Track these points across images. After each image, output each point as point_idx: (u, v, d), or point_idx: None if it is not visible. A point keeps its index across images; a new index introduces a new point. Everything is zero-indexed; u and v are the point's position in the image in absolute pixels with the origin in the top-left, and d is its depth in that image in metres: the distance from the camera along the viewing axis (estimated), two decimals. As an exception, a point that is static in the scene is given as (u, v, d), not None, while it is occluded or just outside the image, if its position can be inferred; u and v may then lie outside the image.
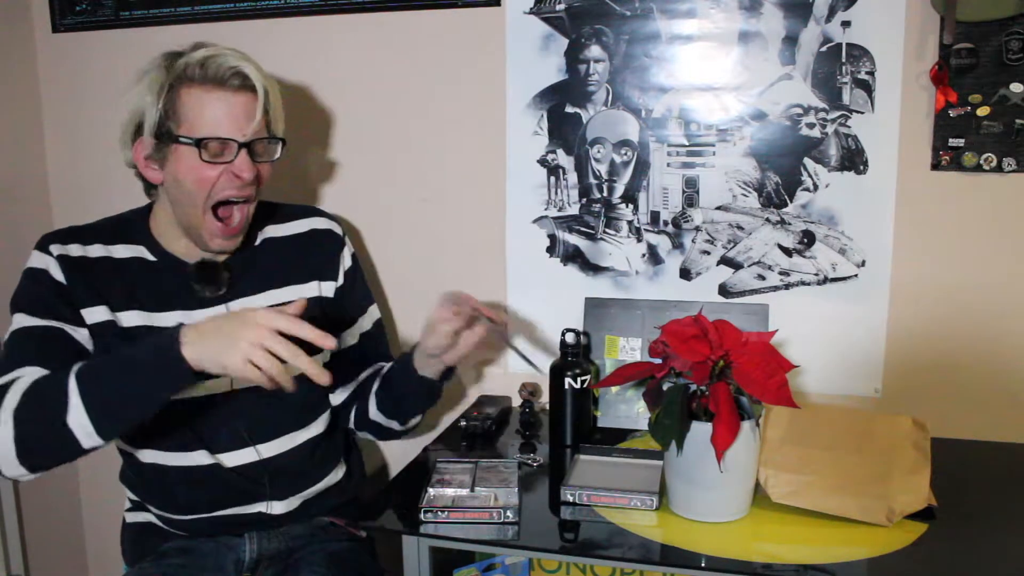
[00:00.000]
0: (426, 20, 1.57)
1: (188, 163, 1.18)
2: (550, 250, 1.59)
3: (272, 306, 1.22)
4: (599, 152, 1.54)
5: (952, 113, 1.38)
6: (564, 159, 1.56)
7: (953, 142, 1.38)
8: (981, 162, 1.38)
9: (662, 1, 1.47)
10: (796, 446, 1.19)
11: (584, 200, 1.56)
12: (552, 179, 1.57)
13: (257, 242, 1.34)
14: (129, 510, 1.37)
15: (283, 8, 1.63)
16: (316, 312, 1.35)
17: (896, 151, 1.42)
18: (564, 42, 1.52)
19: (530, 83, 1.54)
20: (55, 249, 1.23)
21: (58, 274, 1.21)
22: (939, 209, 1.42)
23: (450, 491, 1.19)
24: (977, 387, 1.44)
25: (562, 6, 1.51)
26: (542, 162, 1.57)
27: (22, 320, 1.19)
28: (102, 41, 1.73)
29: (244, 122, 1.19)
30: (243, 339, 1.00)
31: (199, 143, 1.17)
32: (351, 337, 1.42)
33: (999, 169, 1.38)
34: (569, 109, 1.54)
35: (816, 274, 1.49)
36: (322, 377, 1.03)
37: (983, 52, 1.35)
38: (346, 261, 1.42)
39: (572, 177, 1.56)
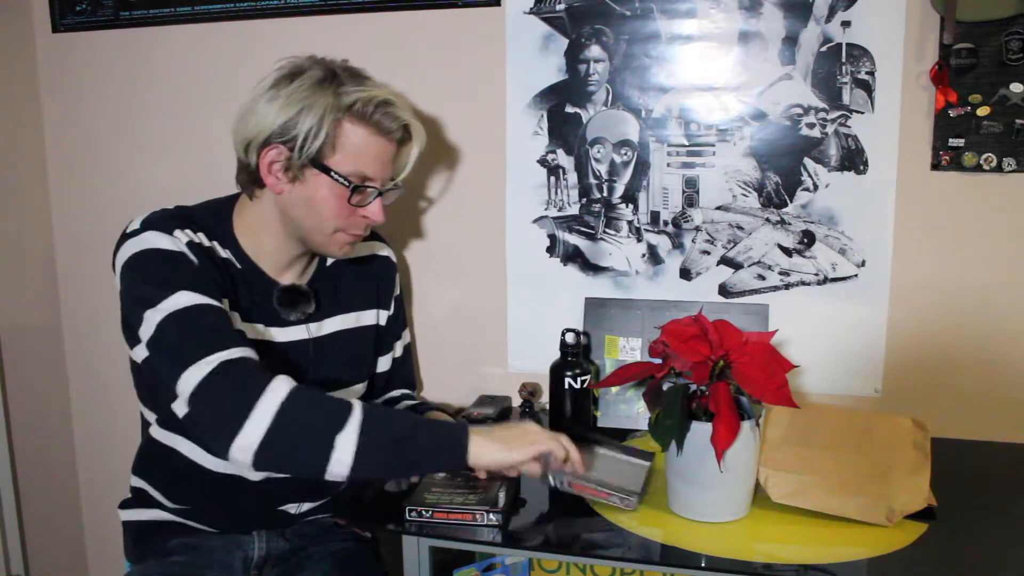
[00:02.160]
0: (426, 20, 1.57)
1: (329, 196, 1.17)
2: (550, 250, 1.59)
3: (340, 331, 1.33)
4: (599, 152, 1.54)
5: (952, 113, 1.38)
6: (564, 159, 1.56)
7: (953, 142, 1.38)
8: (981, 162, 1.38)
9: (662, 1, 1.47)
10: (796, 446, 1.19)
11: (584, 200, 1.56)
12: (552, 179, 1.57)
13: (329, 263, 1.35)
14: (125, 508, 1.35)
15: (283, 8, 1.63)
16: (371, 341, 1.40)
17: (896, 151, 1.42)
18: (564, 42, 1.52)
19: (530, 83, 1.54)
20: (179, 235, 1.15)
21: (193, 259, 1.14)
22: (939, 209, 1.42)
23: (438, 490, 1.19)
24: (977, 387, 1.45)
25: (562, 6, 1.51)
26: (542, 162, 1.57)
27: (191, 298, 1.09)
28: (102, 41, 1.73)
29: (390, 172, 1.22)
30: (528, 443, 1.11)
31: (353, 188, 1.17)
32: (386, 362, 1.46)
33: (999, 169, 1.38)
34: (569, 109, 1.54)
35: (816, 274, 1.49)
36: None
37: (983, 52, 1.35)
38: (396, 288, 1.46)
39: (572, 177, 1.56)
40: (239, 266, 1.23)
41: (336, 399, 1.08)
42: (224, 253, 1.22)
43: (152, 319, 1.08)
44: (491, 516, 1.12)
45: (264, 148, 1.16)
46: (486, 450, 1.08)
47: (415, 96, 1.60)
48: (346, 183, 1.17)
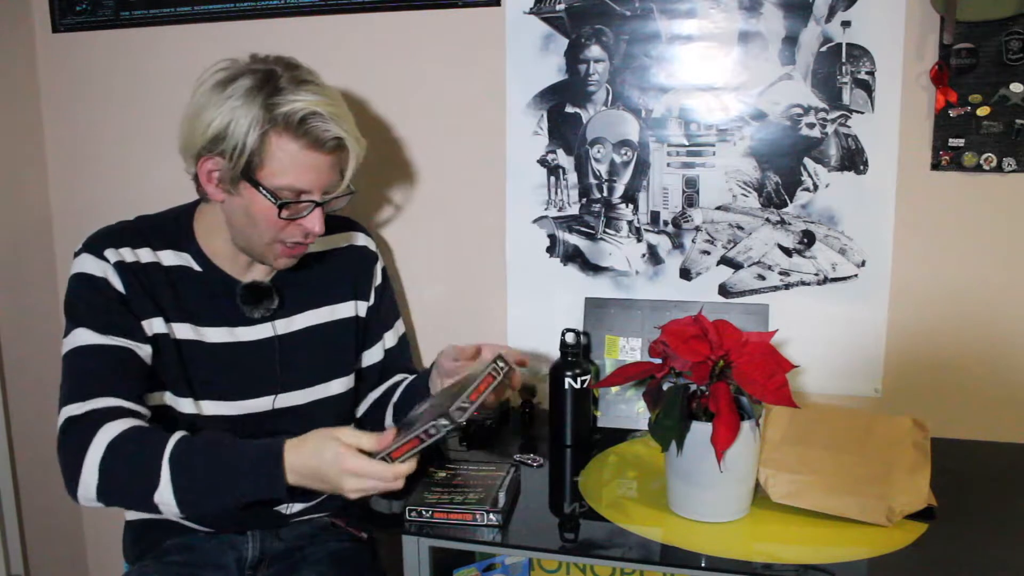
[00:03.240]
0: (426, 20, 1.57)
1: (263, 208, 1.16)
2: (550, 250, 1.59)
3: (311, 327, 1.32)
4: (599, 152, 1.54)
5: (952, 113, 1.38)
6: (564, 159, 1.56)
7: (953, 142, 1.38)
8: (981, 162, 1.38)
9: (662, 1, 1.47)
10: (796, 446, 1.19)
11: (584, 200, 1.56)
12: (552, 179, 1.57)
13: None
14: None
15: (283, 8, 1.63)
16: (351, 334, 1.39)
17: (896, 151, 1.42)
18: (564, 42, 1.52)
19: (530, 83, 1.54)
20: (110, 255, 1.18)
21: (117, 283, 1.17)
22: (939, 209, 1.42)
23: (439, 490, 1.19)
24: (977, 387, 1.45)
25: (562, 6, 1.51)
26: (542, 162, 1.57)
27: (85, 336, 1.15)
28: (102, 41, 1.73)
29: (326, 182, 1.18)
30: (346, 491, 1.06)
31: (281, 205, 1.15)
32: (376, 354, 1.44)
33: (999, 169, 1.38)
34: (569, 109, 1.54)
35: (816, 274, 1.49)
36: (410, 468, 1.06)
37: (983, 52, 1.35)
38: (377, 278, 1.44)
39: (572, 177, 1.56)
40: (198, 269, 1.24)
41: (152, 446, 1.08)
42: (177, 260, 1.23)
43: (62, 353, 1.17)
44: (491, 516, 1.12)
45: (201, 158, 1.16)
46: (302, 479, 1.06)
47: (415, 96, 1.60)
48: (273, 200, 1.14)
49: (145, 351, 1.18)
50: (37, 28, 1.76)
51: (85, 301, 1.17)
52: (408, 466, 1.04)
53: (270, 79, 1.13)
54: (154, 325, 1.20)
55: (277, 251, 1.22)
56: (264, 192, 1.14)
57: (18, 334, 1.73)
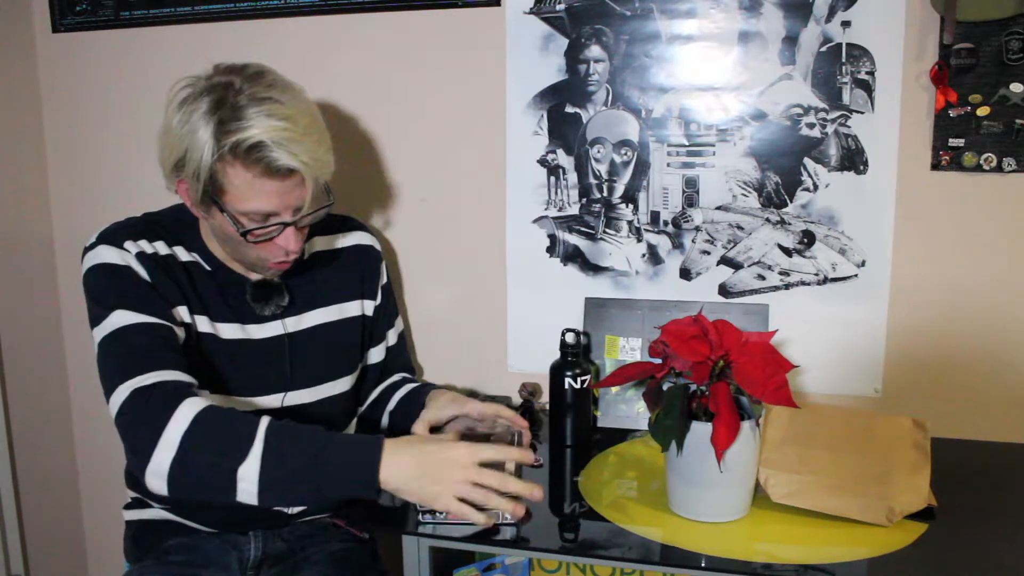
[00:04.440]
0: (426, 20, 1.57)
1: (233, 231, 1.13)
2: (550, 250, 1.59)
3: (321, 325, 1.30)
4: (599, 152, 1.54)
5: (952, 113, 1.38)
6: (564, 159, 1.56)
7: (953, 142, 1.38)
8: (981, 162, 1.38)
9: (662, 1, 1.47)
10: (796, 446, 1.19)
11: (584, 200, 1.56)
12: (552, 179, 1.57)
13: (306, 256, 1.33)
14: (129, 507, 1.37)
15: (283, 8, 1.63)
16: (358, 332, 1.39)
17: (896, 151, 1.42)
18: (564, 42, 1.52)
19: (530, 83, 1.54)
20: (130, 246, 1.16)
21: (141, 271, 1.15)
22: (939, 209, 1.42)
23: None
24: (977, 387, 1.45)
25: (562, 6, 1.51)
26: (542, 162, 1.57)
27: (125, 317, 1.11)
28: (102, 41, 1.73)
29: (293, 203, 1.13)
30: (451, 481, 1.01)
31: (244, 233, 1.12)
32: (379, 352, 1.45)
33: (999, 169, 1.38)
34: (569, 109, 1.54)
35: (816, 274, 1.49)
36: (534, 491, 1.04)
37: (983, 52, 1.35)
38: (383, 277, 1.44)
39: (572, 177, 1.56)
40: (208, 268, 1.24)
41: (242, 421, 1.03)
42: (189, 257, 1.23)
43: (96, 340, 1.13)
44: (507, 515, 1.10)
45: (175, 180, 1.14)
46: (400, 476, 1.01)
47: (415, 96, 1.60)
48: (236, 226, 1.12)
49: (181, 334, 1.16)
50: (37, 28, 1.76)
51: (115, 287, 1.14)
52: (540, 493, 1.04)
53: (225, 99, 1.08)
54: (181, 313, 1.18)
55: (265, 265, 1.21)
56: (228, 218, 1.12)
57: (18, 334, 1.73)
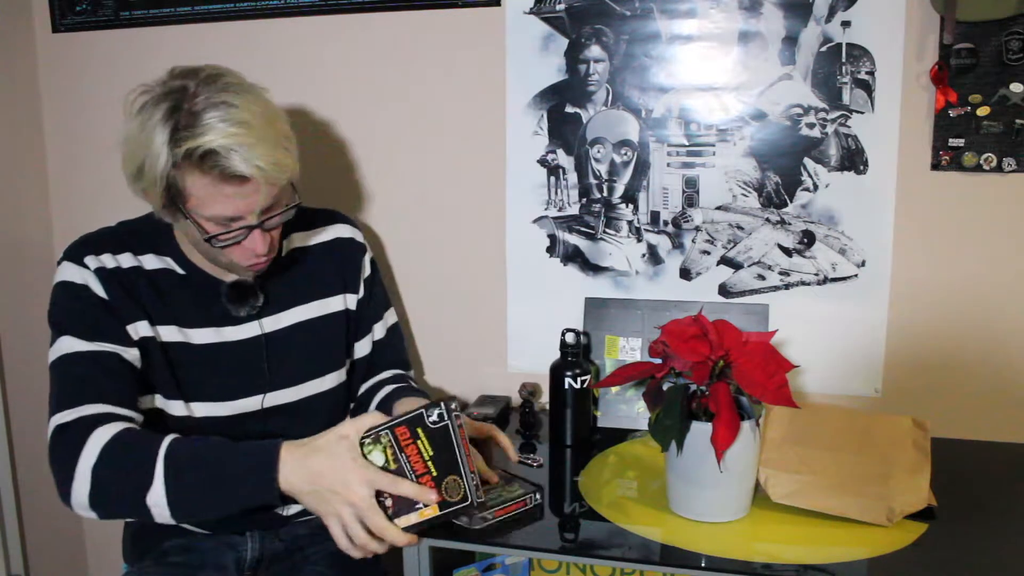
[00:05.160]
0: (426, 20, 1.57)
1: (199, 238, 1.13)
2: (550, 250, 1.59)
3: (300, 323, 1.29)
4: (599, 152, 1.54)
5: (952, 113, 1.38)
6: (564, 159, 1.55)
7: (953, 142, 1.38)
8: (981, 162, 1.38)
9: (662, 1, 1.47)
10: (796, 446, 1.19)
11: (584, 200, 1.56)
12: (552, 179, 1.57)
13: (283, 252, 1.32)
14: None
15: (283, 8, 1.63)
16: (342, 327, 1.37)
17: (896, 151, 1.42)
18: (564, 42, 1.52)
19: (530, 83, 1.54)
20: (90, 261, 1.18)
21: (99, 289, 1.17)
22: (939, 209, 1.42)
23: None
24: (977, 387, 1.45)
25: (562, 6, 1.51)
26: (542, 162, 1.57)
27: (71, 344, 1.14)
28: (102, 41, 1.73)
29: (255, 206, 1.12)
30: (341, 508, 1.04)
31: (208, 239, 1.12)
32: (365, 346, 1.42)
33: (999, 169, 1.38)
34: (569, 109, 1.54)
35: (816, 274, 1.49)
36: (411, 541, 1.07)
37: (983, 52, 1.35)
38: (366, 270, 1.42)
39: (572, 177, 1.56)
40: (181, 272, 1.24)
41: (145, 447, 1.07)
42: (160, 263, 1.23)
43: (48, 362, 1.16)
44: (537, 496, 1.13)
45: (137, 186, 1.13)
46: (297, 483, 1.04)
47: (415, 96, 1.60)
48: (200, 232, 1.12)
49: (132, 355, 1.17)
50: (37, 28, 1.76)
51: (67, 309, 1.17)
52: (407, 538, 1.06)
53: (180, 105, 1.07)
54: (139, 329, 1.19)
55: (240, 268, 1.20)
56: (193, 224, 1.12)
57: (18, 335, 1.73)
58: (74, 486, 1.06)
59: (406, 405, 1.26)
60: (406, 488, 1.04)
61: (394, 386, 1.38)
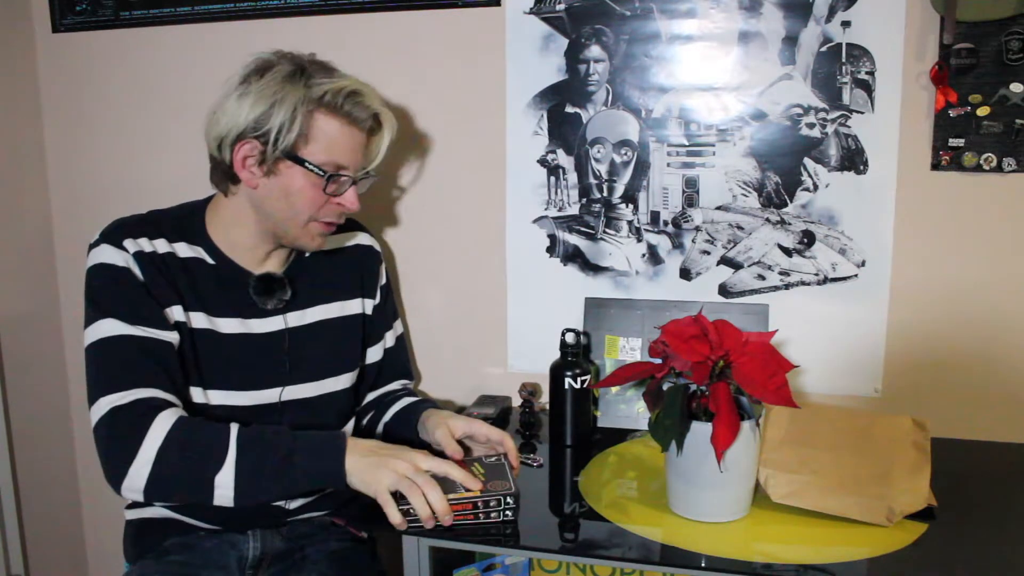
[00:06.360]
0: (426, 20, 1.57)
1: (305, 185, 1.20)
2: (550, 250, 1.59)
3: (322, 321, 1.34)
4: (599, 152, 1.54)
5: (952, 113, 1.38)
6: (564, 159, 1.56)
7: (953, 142, 1.38)
8: (981, 162, 1.38)
9: (662, 1, 1.47)
10: (796, 446, 1.19)
11: (584, 200, 1.56)
12: (552, 179, 1.57)
13: (307, 253, 1.35)
14: (130, 506, 1.37)
15: (283, 8, 1.63)
16: (359, 331, 1.41)
17: (896, 151, 1.42)
18: (564, 42, 1.52)
19: (530, 83, 1.54)
20: (129, 245, 1.20)
21: (138, 272, 1.19)
22: (939, 209, 1.42)
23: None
24: (977, 387, 1.45)
25: (562, 6, 1.51)
26: (542, 162, 1.57)
27: (113, 326, 1.16)
28: (102, 41, 1.73)
29: (360, 161, 1.25)
30: (392, 469, 1.08)
31: (329, 177, 1.20)
32: (377, 352, 1.46)
33: (999, 169, 1.38)
34: (569, 109, 1.54)
35: (816, 274, 1.49)
36: (447, 518, 1.09)
37: (983, 52, 1.35)
38: (382, 278, 1.46)
39: (572, 177, 1.56)
40: (212, 262, 1.26)
41: (215, 431, 1.11)
42: (191, 252, 1.25)
43: (86, 342, 1.17)
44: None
45: (237, 143, 1.19)
46: (359, 462, 1.09)
47: (415, 96, 1.60)
48: (321, 172, 1.19)
49: (173, 338, 1.19)
50: (37, 28, 1.76)
51: (109, 291, 1.18)
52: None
53: (303, 68, 1.19)
54: (174, 313, 1.21)
55: (313, 230, 1.25)
56: (311, 167, 1.19)
57: (18, 334, 1.73)
58: (133, 468, 1.07)
59: (433, 417, 1.29)
60: (455, 472, 1.11)
61: (410, 399, 1.42)
